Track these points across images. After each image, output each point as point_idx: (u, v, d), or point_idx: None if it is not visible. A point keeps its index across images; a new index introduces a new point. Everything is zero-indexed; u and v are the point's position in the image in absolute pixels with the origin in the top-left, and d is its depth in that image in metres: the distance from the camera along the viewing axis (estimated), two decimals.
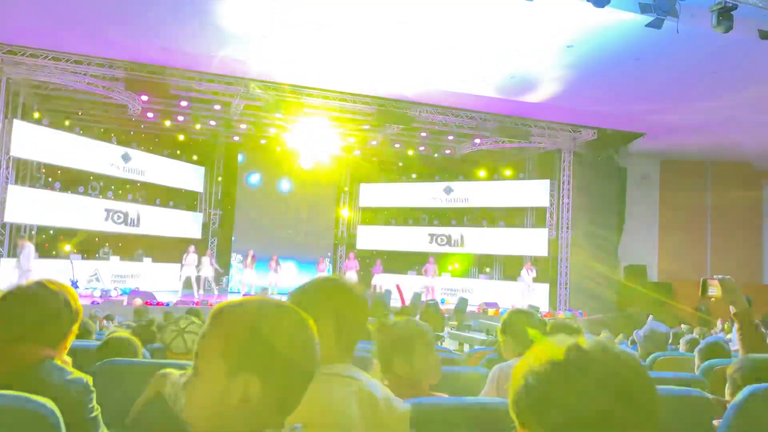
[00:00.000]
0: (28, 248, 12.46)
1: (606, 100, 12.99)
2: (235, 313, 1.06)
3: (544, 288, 16.64)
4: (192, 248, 15.63)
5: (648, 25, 7.67)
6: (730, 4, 7.62)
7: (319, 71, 12.14)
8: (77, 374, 1.80)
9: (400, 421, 1.38)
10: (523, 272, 16.19)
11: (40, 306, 1.84)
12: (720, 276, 2.59)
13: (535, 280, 16.19)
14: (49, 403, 1.53)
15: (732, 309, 2.57)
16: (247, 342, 1.01)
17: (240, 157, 19.09)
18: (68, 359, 1.86)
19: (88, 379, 1.82)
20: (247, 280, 16.73)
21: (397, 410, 1.38)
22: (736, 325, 2.60)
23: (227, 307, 1.08)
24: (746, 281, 16.06)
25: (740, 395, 1.98)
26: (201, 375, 1.03)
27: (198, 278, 15.55)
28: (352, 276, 17.41)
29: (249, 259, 16.60)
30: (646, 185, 18.52)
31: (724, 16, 7.63)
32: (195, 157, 18.07)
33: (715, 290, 2.57)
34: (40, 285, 1.90)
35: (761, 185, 18.12)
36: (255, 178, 19.40)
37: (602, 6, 7.31)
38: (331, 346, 1.37)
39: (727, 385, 2.30)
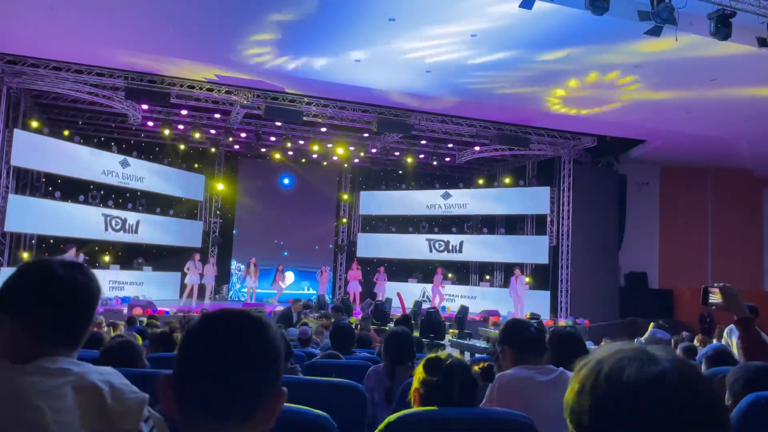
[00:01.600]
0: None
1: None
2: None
3: (544, 295, 16.62)
4: (197, 257, 15.68)
5: (647, 32, 7.70)
6: (728, 12, 7.65)
7: (317, 80, 12.15)
8: None
9: (130, 412, 1.27)
10: (512, 280, 16.08)
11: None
12: (721, 284, 2.58)
13: (531, 287, 16.08)
14: None
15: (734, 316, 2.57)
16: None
17: (287, 177, 19.11)
18: None
19: None
20: (249, 286, 16.71)
21: (127, 401, 1.28)
22: (737, 333, 2.59)
23: None
24: (747, 288, 15.98)
25: (742, 403, 1.98)
26: None
27: (201, 286, 15.57)
28: (355, 286, 17.39)
29: (251, 267, 16.60)
30: (646, 192, 18.53)
31: (722, 23, 7.66)
32: (195, 166, 18.09)
33: (716, 298, 2.57)
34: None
35: (761, 192, 18.12)
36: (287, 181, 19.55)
37: (601, 14, 7.34)
38: (19, 341, 1.29)
39: (727, 393, 2.29)
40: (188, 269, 15.53)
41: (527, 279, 18.05)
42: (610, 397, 0.81)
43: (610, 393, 0.81)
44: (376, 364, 3.88)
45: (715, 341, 7.62)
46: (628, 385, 0.80)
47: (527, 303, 15.76)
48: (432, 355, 2.16)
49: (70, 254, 13.17)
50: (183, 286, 16.11)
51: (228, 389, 1.01)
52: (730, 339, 6.52)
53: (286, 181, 19.47)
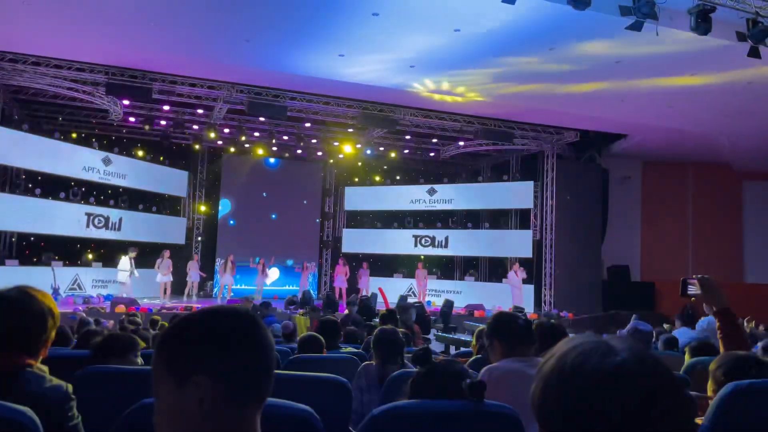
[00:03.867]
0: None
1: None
2: (174, 329, 1.12)
3: (528, 289, 16.72)
4: (167, 253, 15.39)
5: (628, 27, 7.76)
6: (708, 7, 7.73)
7: (301, 75, 12.09)
8: (57, 382, 1.77)
9: None
10: (511, 274, 16.24)
11: (26, 314, 1.80)
12: (699, 275, 2.61)
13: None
14: (28, 412, 1.50)
15: (711, 307, 2.60)
16: (186, 349, 1.07)
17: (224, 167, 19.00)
18: (44, 368, 1.82)
19: (69, 387, 1.79)
20: (226, 284, 16.41)
21: None
22: (717, 323, 2.62)
23: (168, 327, 1.15)
24: (727, 280, 16.25)
25: (723, 392, 2.00)
26: (158, 396, 1.08)
27: (170, 284, 15.34)
28: (341, 282, 17.34)
29: (228, 264, 16.34)
30: (628, 186, 18.71)
31: (702, 18, 7.73)
32: (178, 162, 17.93)
33: (695, 289, 2.60)
34: (24, 292, 1.85)
35: (740, 185, 18.38)
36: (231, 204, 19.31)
37: (582, 9, 7.37)
38: None
39: (709, 382, 2.32)
40: (157, 267, 15.12)
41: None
42: (574, 391, 0.82)
43: (574, 386, 0.82)
44: (363, 360, 3.88)
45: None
46: (591, 376, 0.82)
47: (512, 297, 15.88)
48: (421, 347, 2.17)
49: (130, 255, 14.20)
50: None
51: None
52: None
53: (272, 160, 19.27)
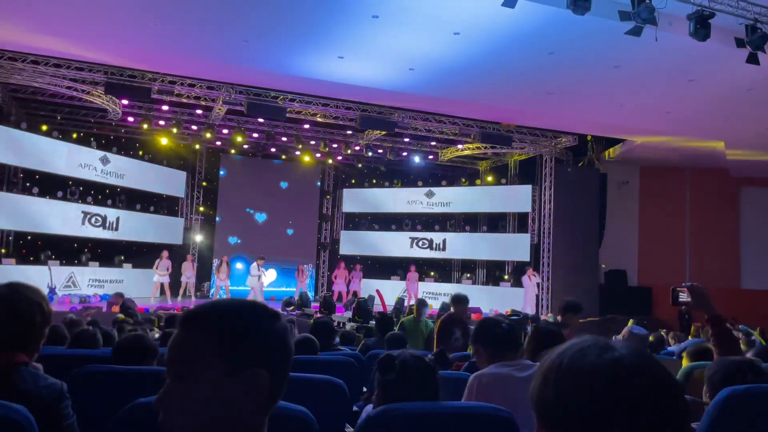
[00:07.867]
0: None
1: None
2: (218, 313, 1.07)
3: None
4: (165, 254, 15.36)
5: (627, 32, 7.77)
6: (707, 13, 7.75)
7: (300, 76, 12.09)
8: (52, 380, 1.77)
9: None
10: (524, 279, 16.25)
11: (14, 311, 1.79)
12: (689, 283, 2.63)
13: (513, 284, 16.25)
14: (23, 410, 1.50)
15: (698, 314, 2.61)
16: (245, 338, 1.04)
17: (222, 171, 18.98)
18: (39, 366, 1.81)
19: (64, 385, 1.79)
20: (222, 285, 16.27)
21: None
22: (709, 330, 2.63)
23: (204, 309, 1.09)
24: (724, 285, 16.29)
25: (718, 397, 2.01)
26: (188, 379, 1.02)
27: (170, 284, 15.28)
28: (341, 285, 17.30)
29: (223, 264, 16.22)
30: (626, 191, 18.73)
31: (701, 24, 7.75)
32: (176, 162, 17.91)
33: (685, 297, 2.61)
34: (13, 289, 1.84)
35: (738, 191, 18.41)
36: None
37: (582, 14, 7.38)
38: None
39: (704, 387, 2.33)
40: (156, 268, 15.20)
41: (505, 276, 18.18)
42: (573, 385, 0.83)
43: (573, 381, 0.84)
44: (360, 362, 3.90)
45: (690, 339, 7.72)
46: (589, 371, 0.83)
47: (511, 300, 15.89)
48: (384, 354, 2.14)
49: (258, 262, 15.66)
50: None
51: None
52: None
53: (266, 190, 19.20)
